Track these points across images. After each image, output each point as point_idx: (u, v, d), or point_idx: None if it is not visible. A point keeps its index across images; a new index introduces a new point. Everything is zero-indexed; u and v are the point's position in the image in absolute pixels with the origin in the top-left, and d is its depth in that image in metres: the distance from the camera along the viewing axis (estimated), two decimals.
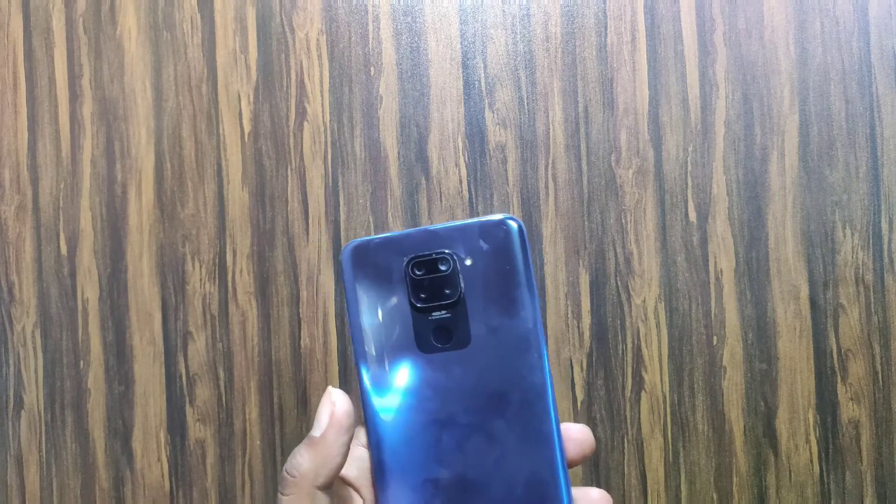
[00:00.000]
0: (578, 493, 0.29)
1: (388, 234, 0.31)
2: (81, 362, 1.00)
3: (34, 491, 1.01)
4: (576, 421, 0.94)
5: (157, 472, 0.99)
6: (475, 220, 0.30)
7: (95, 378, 1.00)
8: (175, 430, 0.99)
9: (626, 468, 0.94)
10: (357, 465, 0.31)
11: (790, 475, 0.93)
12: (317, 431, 0.28)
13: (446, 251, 0.30)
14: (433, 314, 0.30)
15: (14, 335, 1.02)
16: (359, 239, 0.31)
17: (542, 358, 0.30)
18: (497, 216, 0.30)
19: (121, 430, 1.00)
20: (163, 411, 0.99)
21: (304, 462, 0.28)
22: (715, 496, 0.93)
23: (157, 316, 1.00)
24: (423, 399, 0.30)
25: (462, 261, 0.30)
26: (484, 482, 0.29)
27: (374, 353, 0.30)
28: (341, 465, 0.28)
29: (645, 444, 0.94)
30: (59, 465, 1.01)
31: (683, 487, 0.94)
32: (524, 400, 0.29)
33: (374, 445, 0.30)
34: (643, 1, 0.95)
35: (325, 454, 0.28)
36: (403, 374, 0.30)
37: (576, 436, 0.30)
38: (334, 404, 0.29)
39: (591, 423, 0.94)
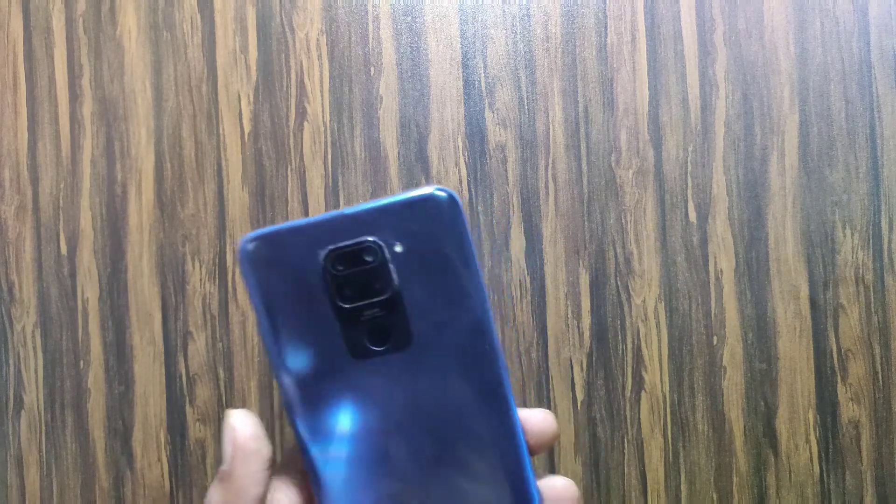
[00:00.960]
0: (542, 483, 0.27)
1: (295, 223, 0.25)
2: (81, 362, 1.01)
3: (34, 491, 1.01)
4: (576, 421, 0.94)
5: (157, 472, 0.99)
6: (399, 196, 0.26)
7: (95, 378, 1.00)
8: (175, 430, 0.99)
9: (626, 468, 0.94)
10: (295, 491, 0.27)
11: (790, 475, 0.93)
12: (224, 465, 0.25)
13: (370, 238, 0.25)
14: (364, 314, 0.25)
15: (14, 335, 1.02)
16: (258, 231, 0.25)
17: (495, 349, 0.26)
18: (424, 189, 0.26)
19: (121, 430, 1.00)
20: (163, 411, 0.99)
21: (216, 502, 0.25)
22: (715, 496, 0.93)
23: (157, 316, 1.00)
24: (364, 411, 0.25)
25: (391, 247, 0.25)
26: (444, 493, 0.26)
27: (299, 367, 0.25)
28: (261, 495, 0.25)
29: (645, 444, 0.94)
30: (59, 465, 1.01)
31: (683, 487, 0.94)
32: (479, 398, 0.26)
33: (313, 470, 0.26)
34: (643, 1, 0.95)
35: (236, 489, 0.24)
36: (337, 387, 0.25)
37: (533, 426, 0.27)
38: (235, 430, 0.25)
39: (590, 423, 0.95)
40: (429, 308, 0.26)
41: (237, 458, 0.25)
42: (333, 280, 0.25)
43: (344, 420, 0.25)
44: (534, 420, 0.27)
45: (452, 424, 0.26)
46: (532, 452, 0.27)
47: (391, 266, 0.25)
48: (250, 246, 0.25)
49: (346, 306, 0.25)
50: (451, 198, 0.26)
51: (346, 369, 0.25)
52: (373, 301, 0.25)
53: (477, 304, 0.26)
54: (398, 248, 0.25)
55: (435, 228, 0.25)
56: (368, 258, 0.25)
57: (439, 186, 0.26)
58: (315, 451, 0.25)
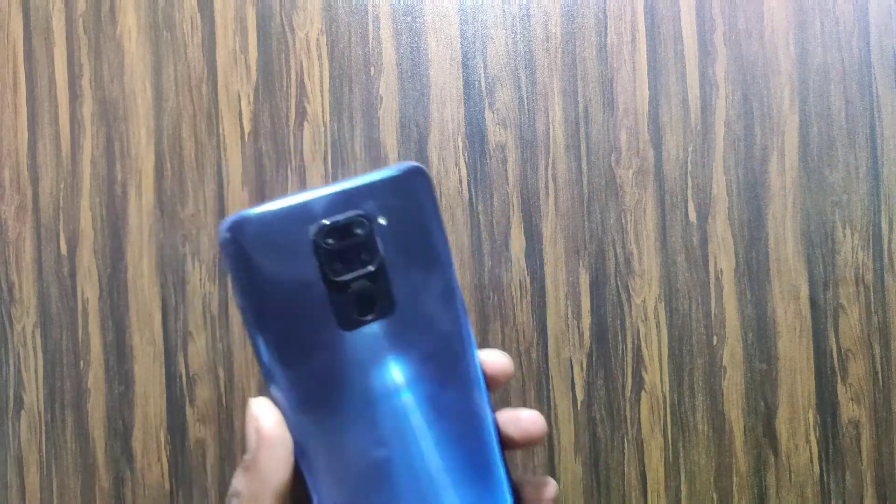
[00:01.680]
0: (508, 416, 0.29)
1: (281, 202, 0.26)
2: (81, 362, 1.00)
3: (34, 491, 1.01)
4: (576, 421, 0.94)
5: (157, 472, 0.99)
6: (378, 173, 0.27)
7: (95, 378, 1.00)
8: (175, 430, 0.99)
9: (626, 468, 0.94)
10: None
11: (790, 475, 0.93)
12: (248, 454, 0.26)
13: (360, 212, 0.26)
14: (352, 285, 0.26)
15: (14, 335, 1.02)
16: (244, 212, 0.25)
17: (461, 310, 0.28)
18: (402, 166, 0.27)
19: (121, 430, 1.00)
20: (163, 411, 0.99)
21: (242, 489, 0.25)
22: (715, 496, 0.93)
23: (157, 316, 1.00)
24: (351, 381, 0.26)
25: (376, 220, 0.27)
26: (425, 456, 0.27)
27: (288, 345, 0.26)
28: (287, 480, 0.26)
29: (645, 444, 0.94)
30: (59, 465, 1.01)
31: (683, 487, 0.94)
32: (450, 359, 0.28)
33: (303, 441, 0.26)
34: (643, 1, 0.95)
35: (262, 477, 0.25)
36: (327, 360, 0.26)
37: (490, 366, 0.29)
38: (258, 419, 0.26)
39: (590, 423, 0.95)
40: (407, 276, 0.27)
41: (262, 446, 0.25)
42: (325, 254, 0.26)
43: (333, 391, 0.26)
44: (490, 361, 0.29)
45: (429, 386, 0.27)
46: (492, 389, 0.29)
47: (377, 237, 0.26)
48: (238, 227, 0.25)
49: (337, 279, 0.26)
50: (424, 173, 0.27)
51: (334, 341, 0.26)
52: (361, 272, 0.26)
53: (446, 268, 0.28)
54: (381, 220, 0.27)
55: (411, 200, 0.27)
56: (358, 231, 0.26)
57: (414, 163, 0.27)
58: (304, 424, 0.26)
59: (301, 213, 0.26)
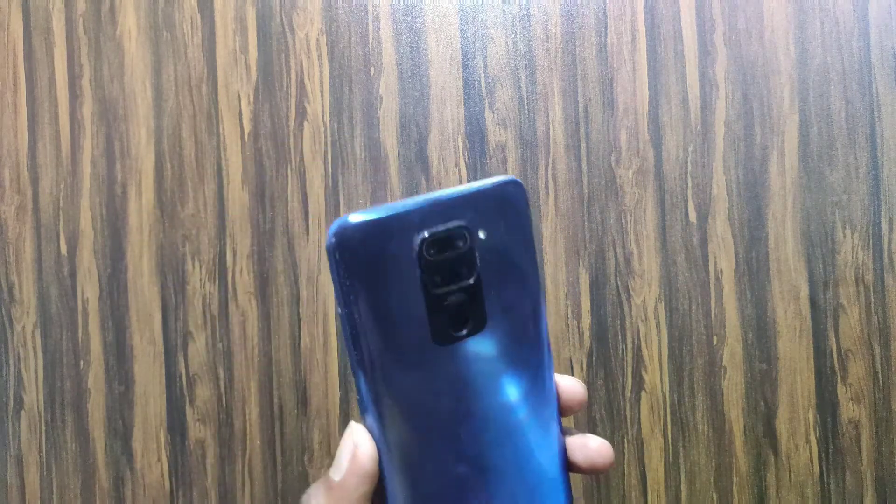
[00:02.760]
0: (577, 441, 0.30)
1: (388, 208, 0.25)
2: (81, 362, 1.01)
3: (34, 491, 1.01)
4: (576, 421, 0.95)
5: (157, 472, 0.99)
6: (480, 184, 0.26)
7: (95, 378, 1.00)
8: (175, 430, 0.99)
9: (626, 468, 0.94)
10: None
11: (790, 475, 0.93)
12: (336, 475, 0.26)
13: (462, 224, 0.25)
14: (449, 298, 0.25)
15: (14, 335, 1.02)
16: (351, 215, 0.25)
17: (545, 332, 0.28)
18: (500, 179, 0.27)
19: (121, 430, 1.00)
20: (163, 411, 0.99)
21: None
22: (715, 496, 0.93)
23: (157, 316, 1.00)
24: (439, 395, 0.26)
25: (476, 233, 0.26)
26: (499, 473, 0.27)
27: (382, 354, 0.25)
28: None
29: (645, 444, 0.94)
30: (59, 465, 1.01)
31: (683, 487, 0.94)
32: (530, 382, 0.28)
33: (385, 455, 0.26)
34: (643, 1, 0.95)
35: (344, 498, 0.25)
36: (418, 371, 0.26)
37: (564, 392, 0.30)
38: (357, 446, 0.26)
39: (590, 423, 0.95)
40: (500, 293, 0.26)
41: (354, 473, 0.25)
42: (426, 265, 0.25)
43: (421, 403, 0.26)
44: (565, 386, 0.30)
45: (508, 406, 0.27)
46: (563, 413, 0.29)
47: (476, 251, 0.26)
48: (344, 230, 0.24)
49: (436, 291, 0.25)
50: (521, 186, 0.27)
51: (427, 353, 0.26)
52: (459, 286, 0.26)
53: (535, 288, 0.27)
54: (481, 234, 0.26)
55: (508, 214, 0.27)
56: (459, 243, 0.25)
57: (513, 177, 0.27)
58: (389, 430, 0.26)
59: (405, 222, 0.25)
